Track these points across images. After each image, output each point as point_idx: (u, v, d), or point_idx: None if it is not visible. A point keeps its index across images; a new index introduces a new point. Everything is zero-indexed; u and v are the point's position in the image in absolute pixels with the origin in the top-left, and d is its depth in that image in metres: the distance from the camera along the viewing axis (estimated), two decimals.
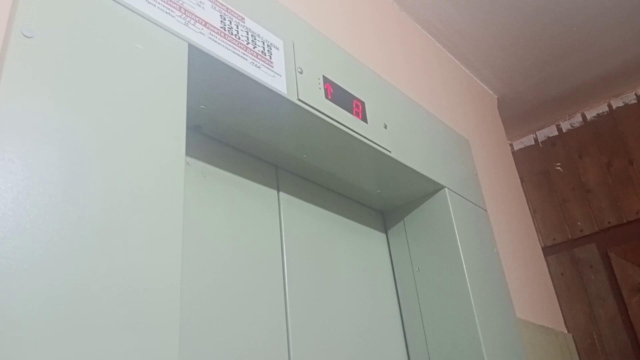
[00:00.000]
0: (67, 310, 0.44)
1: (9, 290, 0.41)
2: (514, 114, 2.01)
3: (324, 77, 0.89)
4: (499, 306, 1.06)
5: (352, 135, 0.91)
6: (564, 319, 1.63)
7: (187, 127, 0.83)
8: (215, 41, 0.71)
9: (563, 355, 1.43)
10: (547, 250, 1.87)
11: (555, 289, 1.68)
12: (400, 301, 1.10)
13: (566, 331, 1.57)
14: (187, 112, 0.79)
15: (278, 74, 0.79)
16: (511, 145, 2.13)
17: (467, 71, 1.77)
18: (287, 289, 0.88)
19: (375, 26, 1.34)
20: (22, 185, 0.45)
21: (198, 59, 0.69)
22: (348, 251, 1.05)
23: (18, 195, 0.45)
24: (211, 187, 0.84)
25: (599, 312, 1.71)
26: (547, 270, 1.64)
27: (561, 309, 1.65)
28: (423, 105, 1.31)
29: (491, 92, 1.88)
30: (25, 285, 0.42)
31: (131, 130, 0.55)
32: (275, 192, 0.96)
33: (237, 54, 0.73)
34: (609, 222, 1.83)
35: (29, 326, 0.41)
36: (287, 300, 0.87)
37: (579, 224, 1.89)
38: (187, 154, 0.82)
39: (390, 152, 0.99)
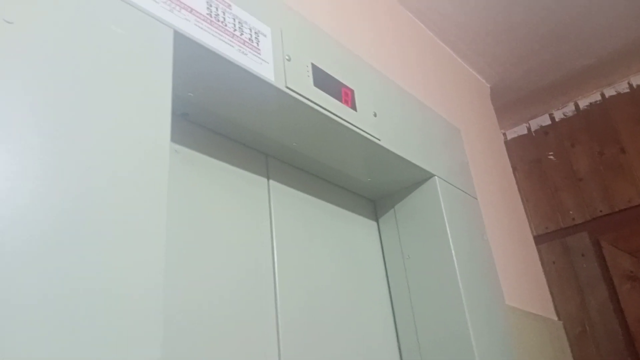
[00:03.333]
0: (45, 306, 0.44)
1: None
2: (507, 102, 2.01)
3: (313, 65, 0.89)
4: (487, 293, 1.06)
5: (340, 123, 0.91)
6: (555, 307, 1.64)
7: (175, 115, 0.83)
8: (202, 28, 0.70)
9: (552, 341, 1.44)
10: (539, 239, 1.88)
11: (546, 277, 1.69)
12: (391, 289, 1.10)
13: (556, 318, 1.58)
14: (175, 100, 0.78)
15: (265, 61, 0.79)
16: (504, 134, 2.14)
17: (460, 60, 1.77)
18: (277, 278, 0.88)
19: (366, 14, 1.34)
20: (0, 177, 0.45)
21: (184, 46, 0.68)
22: (339, 239, 1.06)
23: None
24: (200, 175, 0.84)
25: (590, 300, 1.72)
26: (538, 258, 1.65)
27: (552, 297, 1.66)
28: (414, 93, 1.31)
29: (483, 80, 1.88)
30: (11, 281, 0.42)
31: (113, 118, 0.55)
32: (266, 180, 0.96)
33: (224, 41, 0.73)
34: (601, 211, 1.84)
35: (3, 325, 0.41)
36: (277, 290, 0.87)
37: (571, 212, 1.90)
38: (176, 141, 0.82)
39: (379, 140, 0.99)
